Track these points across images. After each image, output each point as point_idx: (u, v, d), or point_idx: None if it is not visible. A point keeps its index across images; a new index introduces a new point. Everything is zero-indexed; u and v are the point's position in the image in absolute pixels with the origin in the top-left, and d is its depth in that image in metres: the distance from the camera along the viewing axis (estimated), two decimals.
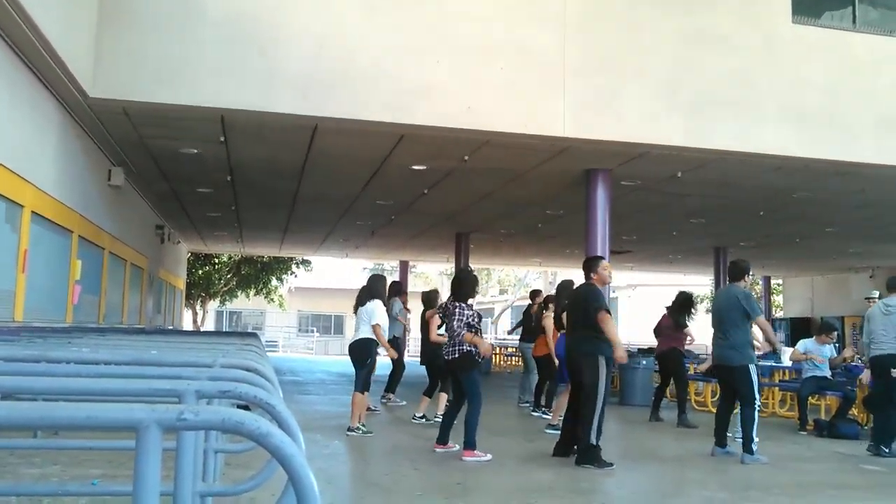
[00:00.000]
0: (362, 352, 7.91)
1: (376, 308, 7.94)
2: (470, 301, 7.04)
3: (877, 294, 11.38)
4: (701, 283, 31.75)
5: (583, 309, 6.73)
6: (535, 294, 11.38)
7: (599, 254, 9.56)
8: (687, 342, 10.55)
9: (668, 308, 10.49)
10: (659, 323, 10.57)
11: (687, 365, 11.45)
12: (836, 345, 10.31)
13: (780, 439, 8.68)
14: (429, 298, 9.82)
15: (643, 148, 9.11)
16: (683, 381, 10.14)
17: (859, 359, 11.34)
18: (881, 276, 19.46)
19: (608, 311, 6.60)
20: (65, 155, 8.18)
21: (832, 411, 9.70)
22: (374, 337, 7.91)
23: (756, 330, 7.72)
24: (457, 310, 6.83)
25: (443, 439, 6.83)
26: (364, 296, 8.10)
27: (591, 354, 6.55)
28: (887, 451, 7.45)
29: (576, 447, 6.61)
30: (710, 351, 7.90)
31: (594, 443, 6.37)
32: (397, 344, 11.05)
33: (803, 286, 25.76)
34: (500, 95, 8.44)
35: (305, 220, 16.04)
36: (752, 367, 7.10)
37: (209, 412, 1.30)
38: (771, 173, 10.19)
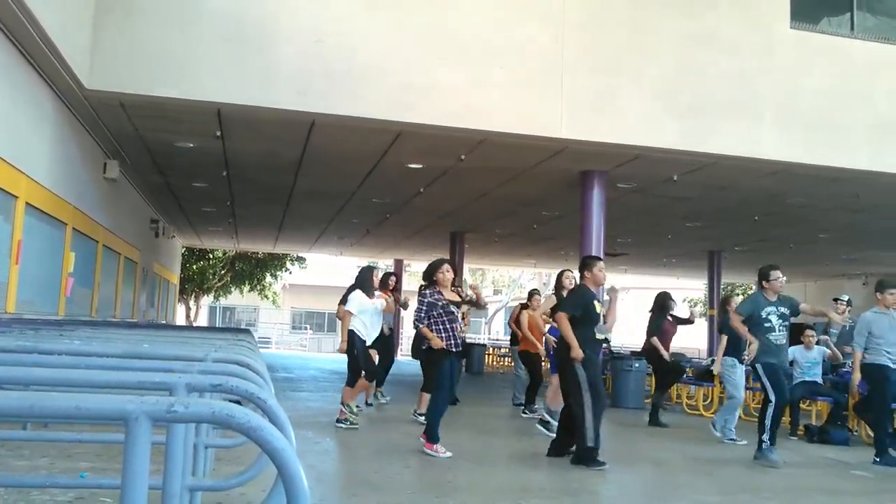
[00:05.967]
0: (349, 344, 7.97)
1: (353, 296, 7.99)
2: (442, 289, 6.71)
3: (846, 298, 11.31)
4: (694, 287, 31.82)
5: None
6: (532, 294, 11.36)
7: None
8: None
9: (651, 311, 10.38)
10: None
11: (686, 369, 11.46)
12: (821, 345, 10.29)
13: None
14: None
15: (640, 150, 9.11)
16: (663, 382, 10.06)
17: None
18: (874, 283, 19.47)
19: (576, 314, 6.40)
20: (60, 146, 8.15)
21: (823, 416, 9.71)
22: (356, 329, 7.91)
23: None
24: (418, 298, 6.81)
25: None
26: (350, 287, 8.17)
27: (568, 359, 6.41)
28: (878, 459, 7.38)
29: (571, 448, 6.62)
30: (705, 354, 7.90)
31: (590, 445, 6.34)
32: (389, 340, 11.03)
33: (796, 292, 25.69)
34: (498, 95, 8.44)
35: (300, 216, 16.02)
36: (759, 367, 7.14)
37: (199, 405, 1.30)
38: (767, 178, 10.21)
